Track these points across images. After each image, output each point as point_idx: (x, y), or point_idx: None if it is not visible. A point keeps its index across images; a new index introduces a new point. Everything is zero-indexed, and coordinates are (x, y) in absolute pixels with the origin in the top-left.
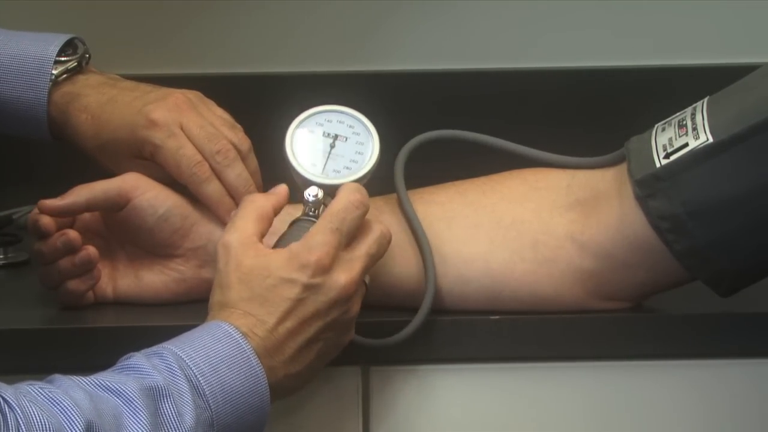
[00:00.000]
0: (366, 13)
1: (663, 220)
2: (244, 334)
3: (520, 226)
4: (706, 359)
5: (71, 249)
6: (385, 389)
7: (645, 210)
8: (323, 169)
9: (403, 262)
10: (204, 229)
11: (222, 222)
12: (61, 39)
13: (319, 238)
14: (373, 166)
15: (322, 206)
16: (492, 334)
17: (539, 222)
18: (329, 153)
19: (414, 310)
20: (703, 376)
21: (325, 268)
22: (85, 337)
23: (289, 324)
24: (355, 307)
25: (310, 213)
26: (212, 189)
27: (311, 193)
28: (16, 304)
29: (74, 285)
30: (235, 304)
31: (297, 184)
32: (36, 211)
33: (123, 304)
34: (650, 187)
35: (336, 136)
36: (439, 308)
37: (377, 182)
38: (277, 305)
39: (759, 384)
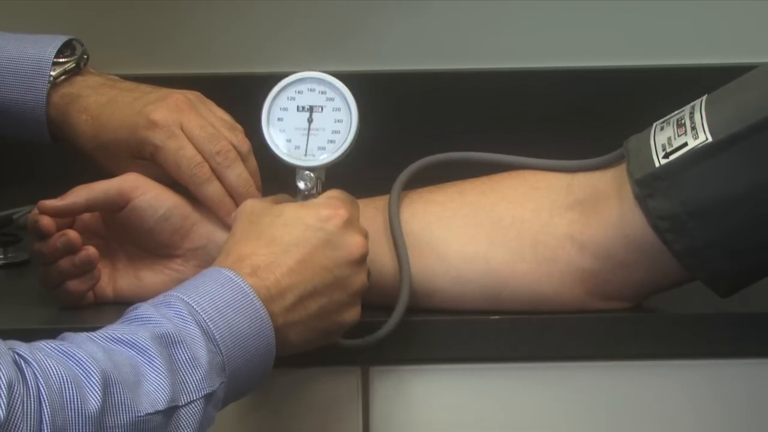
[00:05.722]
0: (367, 13)
1: (662, 219)
2: (244, 276)
3: (520, 226)
4: (707, 359)
5: (71, 249)
6: (385, 389)
7: (644, 210)
8: (306, 150)
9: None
10: (204, 229)
11: (222, 222)
12: (59, 40)
13: (338, 195)
14: (356, 131)
15: (318, 182)
16: (492, 334)
17: (539, 222)
18: (308, 129)
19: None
20: (703, 376)
21: (344, 221)
22: None
23: (297, 269)
24: (362, 276)
25: (306, 194)
26: (212, 190)
27: (305, 179)
28: (16, 304)
29: (74, 285)
30: (239, 248)
31: (283, 166)
32: (36, 211)
33: (123, 304)
34: (649, 186)
35: (311, 108)
36: (439, 308)
37: (375, 182)
38: (287, 247)
39: (760, 384)
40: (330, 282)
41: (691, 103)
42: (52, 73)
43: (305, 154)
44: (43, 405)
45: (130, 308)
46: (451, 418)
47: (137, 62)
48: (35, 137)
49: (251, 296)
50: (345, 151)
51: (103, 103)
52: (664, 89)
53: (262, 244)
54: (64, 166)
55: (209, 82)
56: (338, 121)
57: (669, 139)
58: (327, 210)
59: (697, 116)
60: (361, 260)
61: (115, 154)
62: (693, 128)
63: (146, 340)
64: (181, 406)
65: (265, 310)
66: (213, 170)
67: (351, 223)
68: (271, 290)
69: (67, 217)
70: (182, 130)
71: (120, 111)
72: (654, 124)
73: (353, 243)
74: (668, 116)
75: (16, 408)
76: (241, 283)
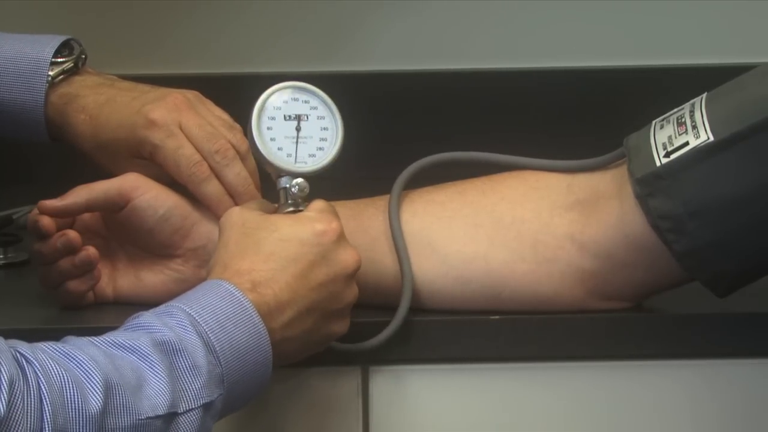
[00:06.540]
0: (365, 14)
1: (663, 219)
2: (245, 291)
3: (520, 226)
4: (706, 359)
5: (71, 249)
6: (385, 389)
7: (645, 209)
8: (296, 157)
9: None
10: (204, 229)
11: None
12: (57, 40)
13: (326, 207)
14: (342, 138)
15: (305, 189)
16: (492, 334)
17: (539, 222)
18: (297, 137)
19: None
20: (702, 376)
21: (337, 235)
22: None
23: (295, 285)
24: (354, 289)
25: (292, 201)
26: (211, 188)
27: (299, 186)
28: (16, 304)
29: (74, 285)
30: (237, 262)
31: (272, 176)
32: (36, 211)
33: (123, 304)
34: (650, 186)
35: (299, 117)
36: (439, 308)
37: (375, 182)
38: (285, 263)
39: (759, 384)
40: (326, 296)
41: (691, 101)
42: (51, 73)
43: (296, 162)
44: (44, 403)
45: (132, 317)
46: (451, 418)
47: (137, 62)
48: (33, 137)
49: (250, 311)
50: (334, 157)
51: (101, 102)
52: (664, 89)
53: (260, 259)
54: (64, 166)
55: (208, 82)
56: (324, 129)
57: (669, 137)
58: (321, 224)
59: (697, 114)
60: (354, 273)
61: (114, 154)
62: (694, 127)
63: (148, 346)
64: (180, 414)
65: (263, 325)
66: (212, 169)
67: (343, 236)
68: (270, 306)
69: (67, 217)
70: (181, 129)
71: (119, 110)
72: (653, 122)
73: (347, 257)
74: (667, 114)
75: (17, 405)
76: (241, 298)
